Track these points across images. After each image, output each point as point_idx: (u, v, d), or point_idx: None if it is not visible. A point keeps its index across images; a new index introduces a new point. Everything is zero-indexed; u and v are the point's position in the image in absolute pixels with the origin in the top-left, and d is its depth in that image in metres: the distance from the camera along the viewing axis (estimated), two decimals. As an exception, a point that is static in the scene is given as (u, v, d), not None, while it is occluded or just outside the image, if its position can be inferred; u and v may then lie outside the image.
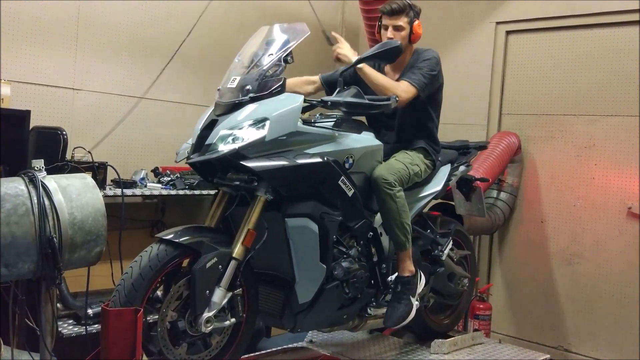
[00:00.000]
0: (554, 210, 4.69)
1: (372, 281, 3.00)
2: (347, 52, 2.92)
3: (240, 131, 2.46)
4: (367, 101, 2.67)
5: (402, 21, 3.09)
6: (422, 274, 3.12)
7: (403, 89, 2.96)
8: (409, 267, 3.00)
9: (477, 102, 5.02)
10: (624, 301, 4.35)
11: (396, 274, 3.03)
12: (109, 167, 3.57)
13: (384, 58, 2.89)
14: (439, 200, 3.73)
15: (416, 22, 3.12)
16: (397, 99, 2.73)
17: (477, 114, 5.02)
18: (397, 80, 3.13)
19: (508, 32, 4.94)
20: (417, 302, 3.03)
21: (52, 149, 3.40)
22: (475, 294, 4.44)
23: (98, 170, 3.58)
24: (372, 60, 2.95)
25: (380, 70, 3.24)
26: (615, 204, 4.40)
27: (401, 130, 3.23)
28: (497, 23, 4.97)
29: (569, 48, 4.63)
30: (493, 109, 4.99)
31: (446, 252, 3.38)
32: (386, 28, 3.12)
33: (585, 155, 4.56)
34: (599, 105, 4.49)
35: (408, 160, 3.06)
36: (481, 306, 4.46)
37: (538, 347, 4.54)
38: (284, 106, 2.56)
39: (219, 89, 2.70)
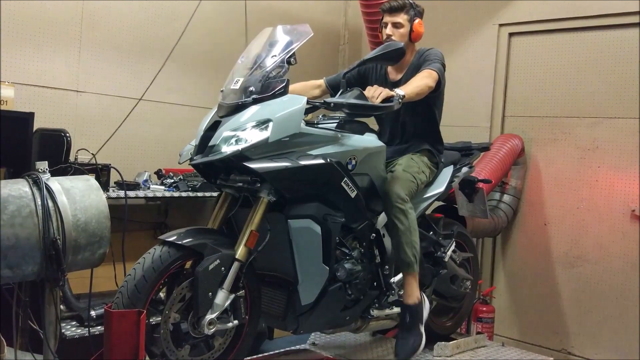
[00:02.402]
0: (557, 212, 4.68)
1: (375, 283, 2.99)
2: (385, 91, 2.69)
3: (244, 132, 2.46)
4: (369, 103, 2.65)
5: (402, 18, 3.08)
6: (426, 298, 3.09)
7: (428, 77, 2.89)
8: (415, 293, 2.95)
9: (480, 104, 5.02)
10: (628, 304, 4.33)
11: (399, 298, 3.00)
12: (112, 169, 3.58)
13: (387, 59, 2.86)
14: (442, 203, 3.72)
15: (417, 21, 3.11)
16: (400, 100, 2.71)
17: (480, 116, 5.01)
18: (399, 80, 3.13)
19: (511, 34, 4.93)
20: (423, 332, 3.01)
21: (55, 150, 3.40)
22: (478, 297, 4.43)
23: (101, 172, 3.59)
24: (375, 61, 2.94)
25: (383, 71, 3.24)
26: (619, 206, 4.39)
27: (405, 132, 3.23)
28: (500, 25, 4.96)
29: (573, 50, 4.62)
30: (496, 111, 4.98)
31: (449, 253, 3.38)
32: (385, 26, 3.11)
33: (588, 158, 4.55)
34: (602, 107, 4.48)
35: (415, 170, 3.05)
36: (484, 309, 4.45)
37: (541, 350, 4.52)
38: (287, 107, 2.55)
39: (222, 90, 2.70)
